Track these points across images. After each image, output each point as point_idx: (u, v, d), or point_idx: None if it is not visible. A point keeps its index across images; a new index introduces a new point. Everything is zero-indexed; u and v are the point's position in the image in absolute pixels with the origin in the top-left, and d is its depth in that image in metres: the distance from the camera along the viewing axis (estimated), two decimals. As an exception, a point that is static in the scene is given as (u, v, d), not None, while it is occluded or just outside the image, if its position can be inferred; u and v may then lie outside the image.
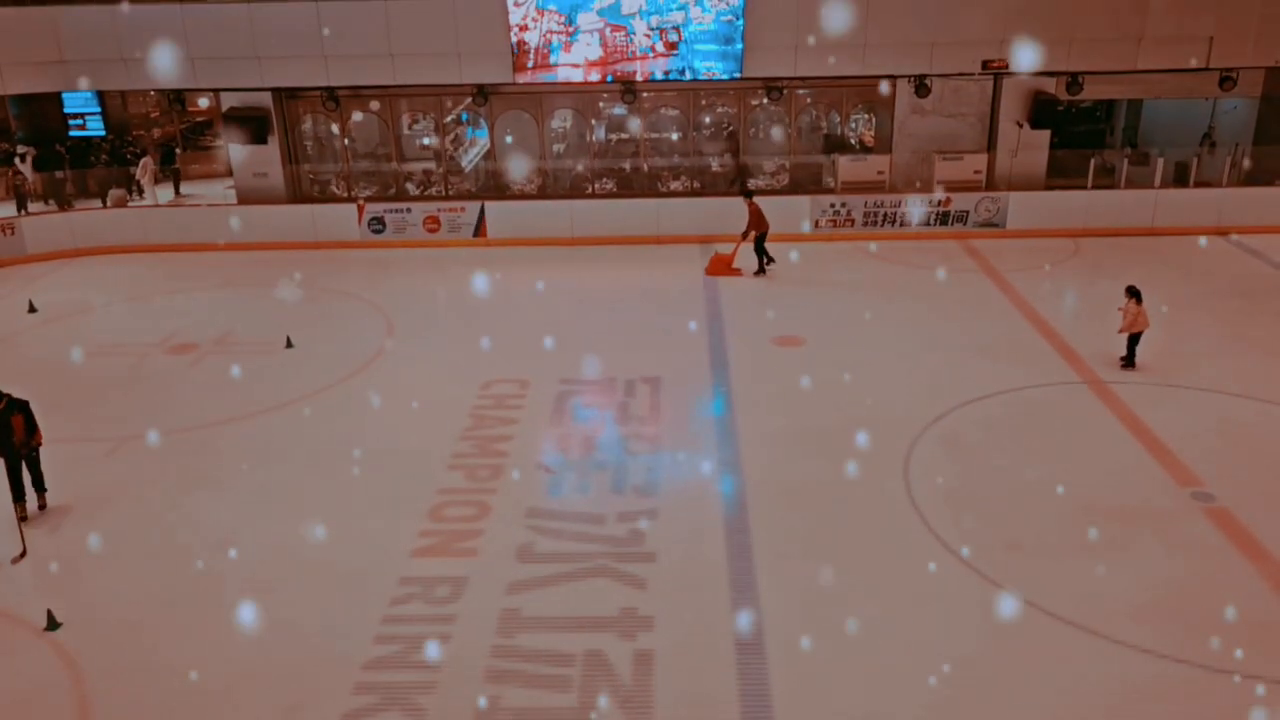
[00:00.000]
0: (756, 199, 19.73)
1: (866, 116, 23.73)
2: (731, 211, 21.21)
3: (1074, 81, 21.42)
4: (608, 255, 21.21)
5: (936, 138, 22.75)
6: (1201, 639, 8.99)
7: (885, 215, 21.88)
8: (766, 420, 13.51)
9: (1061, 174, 23.08)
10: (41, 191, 24.05)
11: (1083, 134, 25.41)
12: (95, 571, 10.50)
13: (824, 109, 23.67)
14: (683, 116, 23.34)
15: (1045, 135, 22.63)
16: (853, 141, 23.74)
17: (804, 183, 23.39)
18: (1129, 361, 14.75)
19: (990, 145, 22.73)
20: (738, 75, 21.21)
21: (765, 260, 19.71)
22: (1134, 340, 14.68)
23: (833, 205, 21.94)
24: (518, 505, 11.54)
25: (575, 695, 8.54)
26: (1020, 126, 22.45)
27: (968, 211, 21.79)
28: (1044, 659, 8.90)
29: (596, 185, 23.51)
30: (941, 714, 8.30)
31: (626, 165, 23.69)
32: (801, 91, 23.20)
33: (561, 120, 23.82)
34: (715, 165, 23.69)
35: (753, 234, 19.42)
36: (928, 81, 21.62)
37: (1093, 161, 22.82)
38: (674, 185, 23.52)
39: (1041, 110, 22.17)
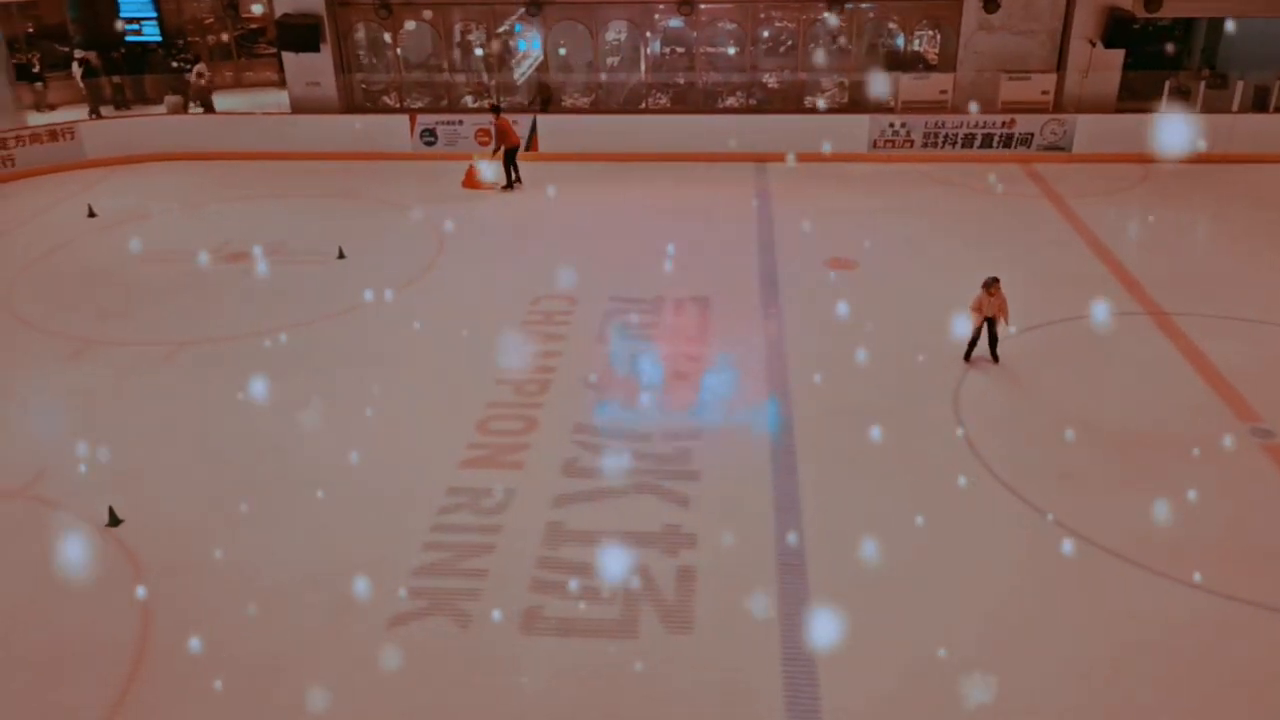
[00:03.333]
0: (505, 115, 20.07)
1: (931, 33, 22.88)
2: (790, 129, 20.81)
3: (1153, -2, 20.41)
4: (660, 172, 20.91)
5: (1003, 56, 21.89)
6: (1256, 576, 8.85)
7: (946, 136, 21.25)
8: (816, 342, 13.38)
9: (1134, 96, 22.15)
10: (108, 96, 24.19)
11: (1158, 54, 24.29)
12: (154, 471, 10.79)
13: (887, 24, 22.86)
14: (740, 30, 22.70)
15: (1119, 55, 21.67)
16: (915, 59, 22.96)
17: (863, 101, 22.75)
18: (969, 355, 12.63)
19: (1059, 65, 21.84)
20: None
21: (514, 177, 19.84)
22: (978, 333, 12.50)
23: (892, 125, 21.34)
24: (564, 420, 11.61)
25: (618, 608, 8.67)
26: (1093, 45, 21.52)
27: (1032, 134, 21.07)
28: (1092, 592, 8.84)
29: (650, 100, 23.07)
30: (984, 646, 8.31)
31: (681, 80, 23.18)
32: (865, 5, 22.40)
33: (616, 33, 23.30)
34: (772, 81, 23.09)
35: (501, 149, 19.58)
36: (997, -4, 20.75)
37: (1168, 84, 21.85)
38: (729, 101, 23.01)
39: (1116, 28, 21.17)
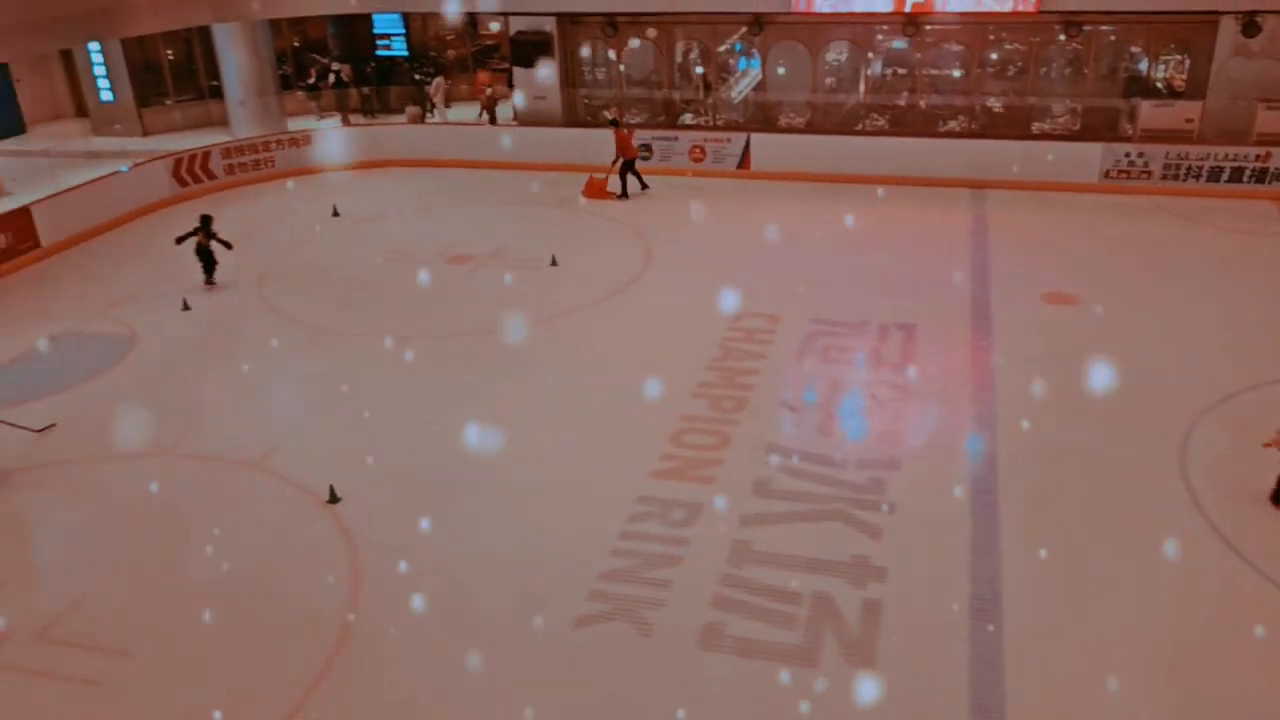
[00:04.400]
0: (623, 128, 20.84)
1: (1178, 58, 21.35)
2: (1014, 155, 20.02)
3: None
4: (873, 194, 20.54)
5: (1263, 84, 20.11)
6: None
7: (1190, 168, 19.76)
8: (1028, 378, 12.74)
9: None
10: (356, 105, 26.26)
11: None
12: (372, 455, 11.59)
13: (1128, 48, 21.51)
14: (967, 52, 21.98)
15: (1402, 85, 19.51)
16: (1158, 85, 21.49)
17: (1097, 128, 21.49)
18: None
19: (1329, 94, 19.88)
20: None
21: (626, 186, 20.63)
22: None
23: (1128, 155, 20.06)
24: (758, 440, 11.60)
25: (799, 634, 8.58)
26: (1371, 74, 19.46)
27: (1292, 169, 19.26)
28: (1327, 676, 7.99)
29: (867, 122, 22.71)
30: (1186, 716, 7.67)
31: (901, 101, 22.69)
32: (1105, 28, 21.18)
33: (836, 53, 23.09)
34: (997, 106, 22.21)
35: (620, 160, 20.38)
36: (1259, 19, 19.11)
37: None
38: (950, 125, 22.31)
39: (1402, 55, 19.07)
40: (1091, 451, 11.14)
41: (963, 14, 20.53)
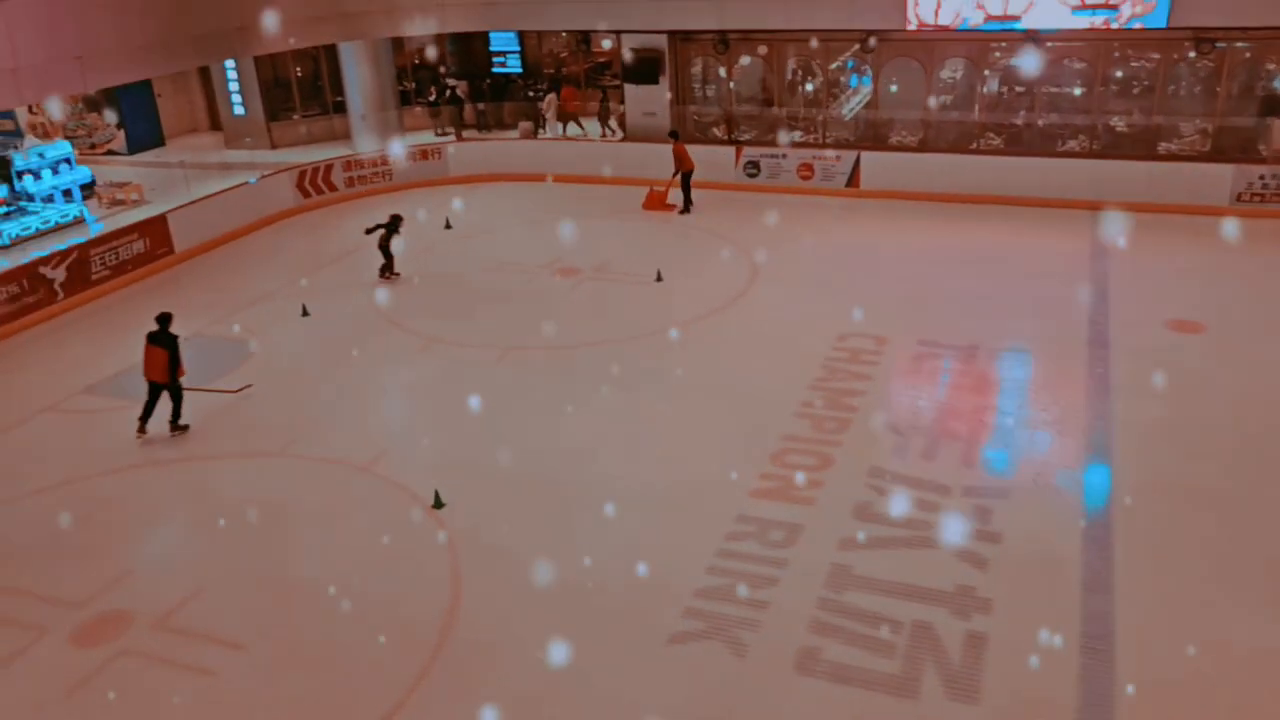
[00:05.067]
0: (683, 143, 21.03)
1: (1321, 75, 20.24)
2: (1137, 176, 19.30)
3: None
4: (987, 215, 20.03)
5: None
6: None
7: (1331, 192, 18.69)
8: (1148, 409, 12.22)
9: None
10: (471, 120, 26.95)
11: None
12: (476, 463, 11.82)
13: (1265, 65, 20.49)
14: (1090, 70, 21.27)
15: None
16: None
17: (1229, 149, 20.52)
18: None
19: None
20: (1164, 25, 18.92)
21: (689, 198, 20.84)
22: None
23: (1262, 177, 19.09)
24: (860, 462, 11.41)
25: (898, 664, 8.39)
26: None
27: None
28: None
29: (982, 140, 22.18)
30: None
31: (1018, 120, 22.08)
32: (1240, 45, 20.23)
33: (951, 70, 22.64)
34: (1121, 125, 21.42)
35: (678, 173, 20.60)
36: None
37: None
38: (1070, 144, 21.61)
39: None
40: (1215, 487, 10.60)
41: (1086, 30, 19.88)
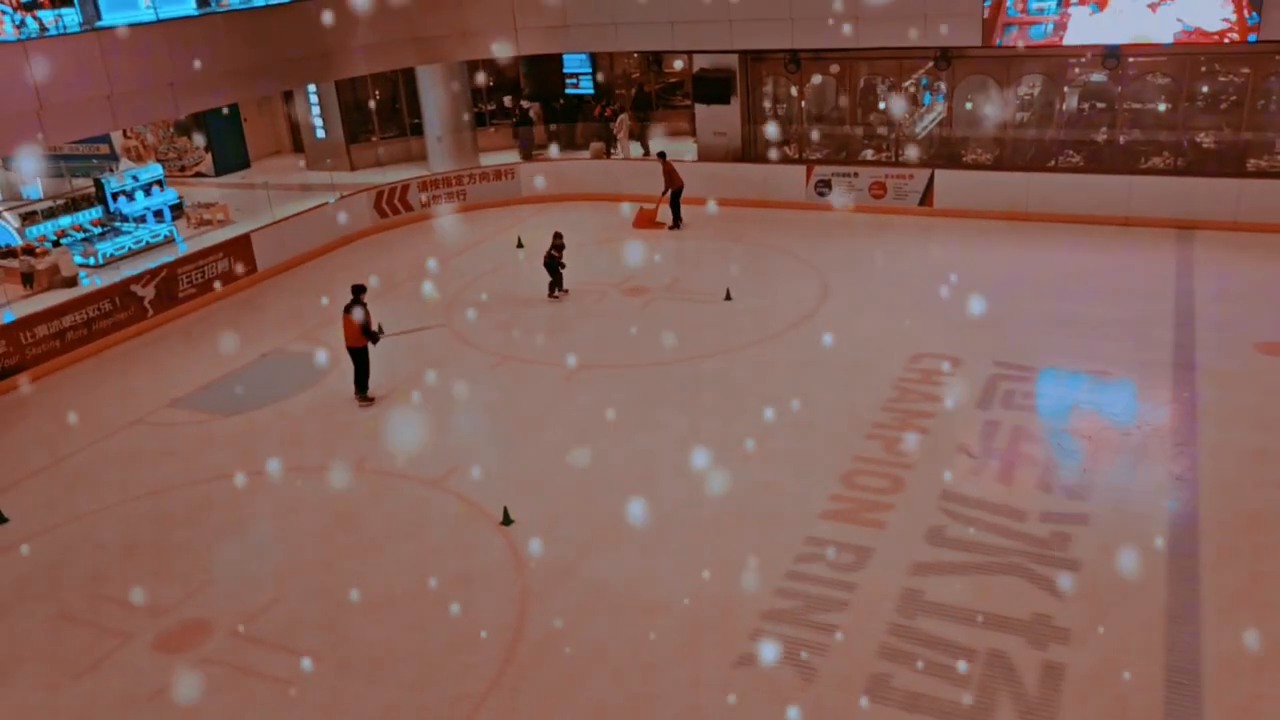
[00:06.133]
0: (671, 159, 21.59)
1: None
2: (1224, 193, 18.71)
3: None
4: (1065, 234, 19.58)
5: None
6: None
7: None
8: (1237, 435, 11.79)
9: None
10: (544, 141, 27.34)
11: None
12: (546, 479, 11.91)
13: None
14: (1174, 85, 20.70)
15: None
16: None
17: (1324, 165, 19.75)
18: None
19: None
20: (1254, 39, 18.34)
21: (679, 215, 21.39)
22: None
23: (1359, 194, 18.33)
24: (933, 485, 11.21)
25: (971, 693, 8.19)
26: None
27: None
28: None
29: (1060, 158, 21.72)
30: None
31: (1099, 137, 21.57)
32: (1335, 56, 19.51)
33: (1029, 86, 22.23)
34: (1207, 141, 20.77)
35: (669, 190, 21.14)
36: None
37: None
38: (1153, 161, 21.03)
39: None
40: (1310, 518, 10.17)
41: (1172, 45, 19.36)
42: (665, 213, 21.55)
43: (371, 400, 14.22)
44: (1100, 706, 7.99)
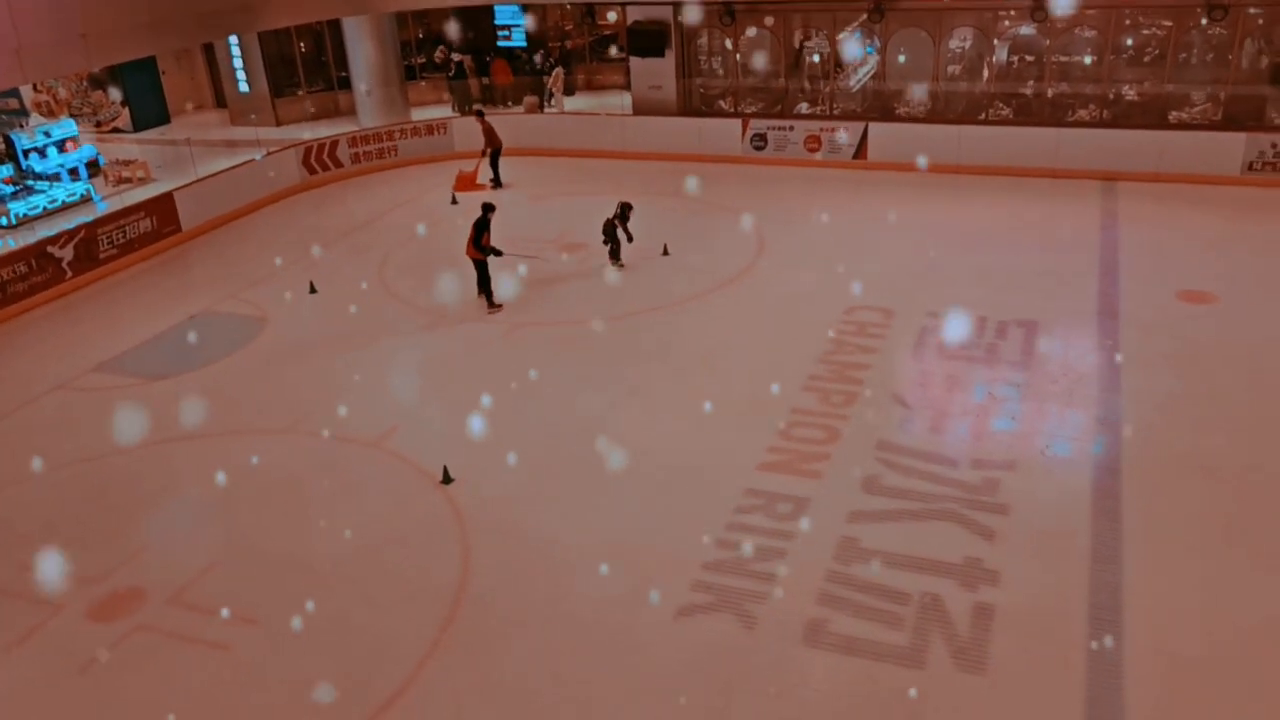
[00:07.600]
0: (488, 118, 21.99)
1: (1337, 41, 19.99)
2: (1147, 145, 19.14)
3: None
4: (995, 186, 19.91)
5: None
6: None
7: (1344, 160, 18.52)
8: (1158, 381, 12.20)
9: None
10: (476, 95, 26.83)
11: None
12: (484, 438, 11.84)
13: (1278, 32, 20.24)
14: (1100, 38, 21.04)
15: None
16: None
17: (1240, 118, 20.32)
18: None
19: None
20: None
21: (499, 174, 21.68)
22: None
23: (1275, 145, 18.92)
24: (868, 435, 11.42)
25: (906, 635, 8.43)
26: None
27: None
28: None
29: (990, 111, 22.01)
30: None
31: (1027, 90, 21.88)
32: (1253, 11, 19.99)
33: (960, 40, 22.41)
34: (1131, 94, 21.21)
35: (488, 150, 21.48)
36: None
37: None
38: (1079, 114, 21.43)
39: None
40: (1225, 458, 10.60)
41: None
42: (486, 172, 21.56)
43: (499, 307, 15.17)
44: (1027, 645, 8.28)
